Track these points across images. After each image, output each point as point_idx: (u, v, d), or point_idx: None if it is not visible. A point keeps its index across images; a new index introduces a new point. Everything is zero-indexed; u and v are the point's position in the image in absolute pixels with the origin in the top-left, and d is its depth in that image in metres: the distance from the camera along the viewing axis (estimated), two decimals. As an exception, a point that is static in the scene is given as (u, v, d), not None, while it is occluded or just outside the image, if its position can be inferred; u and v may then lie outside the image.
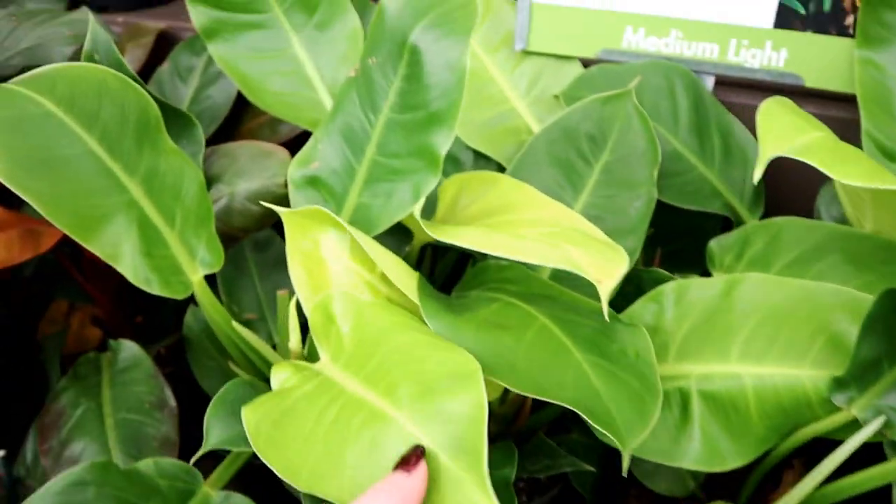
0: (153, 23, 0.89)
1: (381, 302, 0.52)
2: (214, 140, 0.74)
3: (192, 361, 0.70)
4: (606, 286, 0.47)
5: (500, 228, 0.55)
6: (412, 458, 0.39)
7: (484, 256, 0.63)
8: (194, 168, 0.60)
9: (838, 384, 0.51)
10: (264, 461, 0.44)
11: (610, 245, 0.51)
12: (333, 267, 0.55)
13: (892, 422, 0.50)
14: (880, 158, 0.63)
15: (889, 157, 0.63)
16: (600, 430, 0.44)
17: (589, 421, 0.44)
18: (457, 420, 0.40)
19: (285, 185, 0.63)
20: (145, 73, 0.83)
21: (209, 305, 0.60)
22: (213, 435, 0.51)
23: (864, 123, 0.63)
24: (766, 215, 0.68)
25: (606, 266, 0.48)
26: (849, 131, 0.65)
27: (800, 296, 0.53)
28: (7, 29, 0.75)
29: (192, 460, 0.52)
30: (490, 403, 0.42)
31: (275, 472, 0.43)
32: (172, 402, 0.61)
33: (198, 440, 0.52)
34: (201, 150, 0.66)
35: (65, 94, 0.55)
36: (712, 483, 0.61)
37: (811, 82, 0.70)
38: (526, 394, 0.45)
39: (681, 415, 0.53)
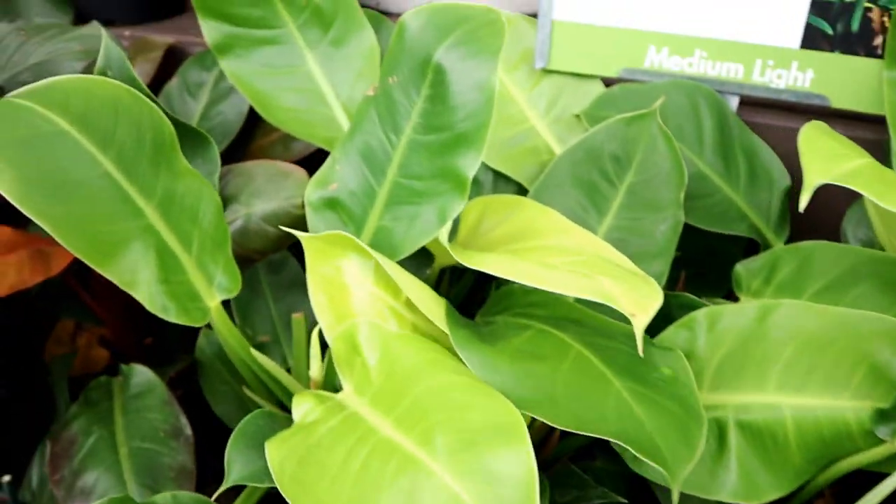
0: (160, 37, 0.87)
1: (409, 334, 0.51)
2: (225, 157, 0.72)
3: (205, 386, 0.68)
4: (641, 321, 0.46)
5: (526, 255, 0.54)
6: None
7: (508, 280, 0.62)
8: (211, 190, 0.58)
9: (882, 416, 0.50)
10: (290, 503, 0.42)
11: (643, 278, 0.50)
12: (357, 293, 0.53)
13: (936, 455, 0.49)
14: (911, 181, 0.61)
15: (920, 180, 0.61)
16: (648, 461, 0.42)
17: (636, 454, 0.42)
18: (505, 482, 0.39)
19: (303, 206, 0.61)
20: (153, 88, 0.82)
21: (226, 331, 0.58)
22: (235, 470, 0.49)
23: (895, 145, 0.62)
24: (790, 236, 0.67)
25: (641, 301, 0.46)
26: (875, 153, 0.64)
27: (838, 323, 0.52)
28: (15, 44, 0.73)
29: (214, 497, 0.50)
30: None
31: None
32: (188, 430, 0.59)
33: (212, 468, 0.51)
34: (217, 169, 0.64)
35: (78, 112, 0.53)
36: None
37: (837, 103, 0.69)
38: (569, 430, 0.43)
39: (717, 446, 0.52)
